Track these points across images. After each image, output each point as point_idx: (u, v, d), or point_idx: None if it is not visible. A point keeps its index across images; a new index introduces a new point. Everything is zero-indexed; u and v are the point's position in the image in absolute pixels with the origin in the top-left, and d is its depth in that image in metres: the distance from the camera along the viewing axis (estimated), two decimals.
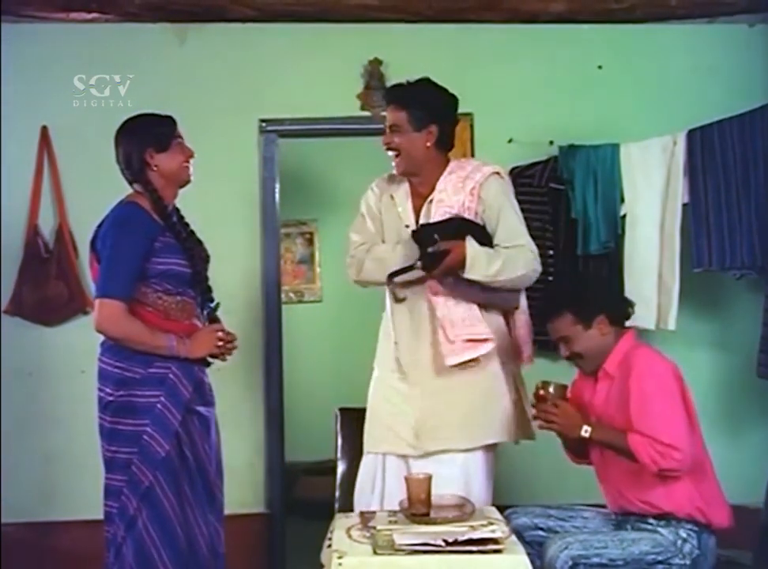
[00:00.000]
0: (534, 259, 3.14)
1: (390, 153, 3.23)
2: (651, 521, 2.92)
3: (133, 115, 3.12)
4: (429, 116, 3.17)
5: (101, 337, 3.00)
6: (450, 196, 3.16)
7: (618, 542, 2.84)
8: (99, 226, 3.05)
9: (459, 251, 3.02)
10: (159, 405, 2.90)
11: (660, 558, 2.83)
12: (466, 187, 3.15)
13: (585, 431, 2.88)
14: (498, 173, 3.23)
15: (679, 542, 2.87)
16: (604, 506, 3.14)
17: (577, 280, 3.12)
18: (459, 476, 3.09)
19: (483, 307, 3.15)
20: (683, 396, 2.92)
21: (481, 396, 3.13)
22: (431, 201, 3.19)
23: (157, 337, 2.92)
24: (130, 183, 3.08)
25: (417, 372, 3.17)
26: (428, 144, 3.19)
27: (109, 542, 2.94)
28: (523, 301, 3.26)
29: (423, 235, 3.07)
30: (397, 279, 3.16)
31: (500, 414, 3.16)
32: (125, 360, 2.93)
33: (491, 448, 3.19)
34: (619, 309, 3.06)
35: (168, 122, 3.09)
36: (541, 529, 3.00)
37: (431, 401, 3.14)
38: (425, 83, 3.24)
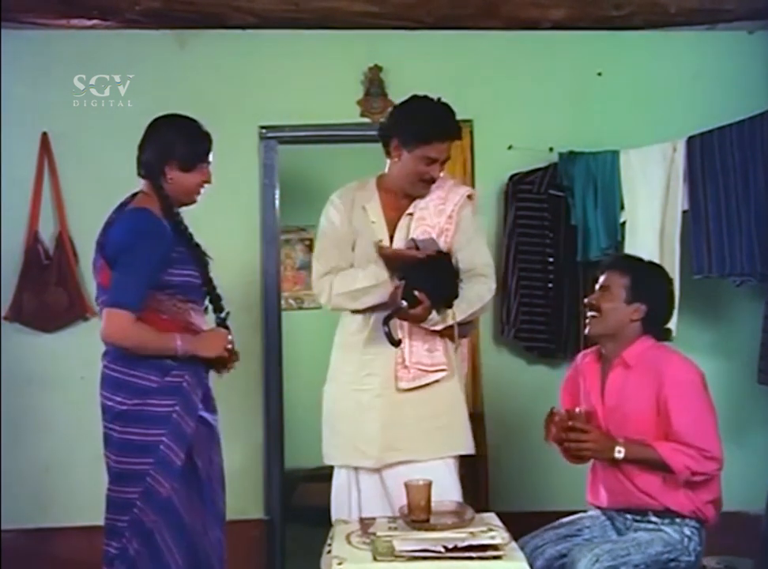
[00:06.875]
0: (486, 286, 3.18)
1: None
2: (653, 518, 2.94)
3: (183, 116, 3.03)
4: None
5: (101, 344, 2.91)
6: (432, 216, 3.18)
7: (636, 546, 2.86)
8: (107, 227, 2.94)
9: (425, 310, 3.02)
10: (174, 415, 2.80)
11: (671, 556, 2.87)
12: (446, 210, 3.18)
13: (619, 452, 2.89)
14: (470, 196, 3.26)
15: (685, 540, 2.92)
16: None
17: (653, 267, 3.16)
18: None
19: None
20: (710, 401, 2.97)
21: (443, 410, 3.15)
22: (409, 214, 3.19)
23: (161, 339, 2.82)
24: (141, 176, 2.98)
25: (380, 385, 3.15)
26: None
27: (113, 557, 2.79)
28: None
29: (405, 286, 3.02)
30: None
31: (460, 428, 3.21)
32: (139, 368, 2.82)
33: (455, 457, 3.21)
34: (660, 321, 3.08)
35: (206, 145, 3.00)
36: (564, 555, 2.97)
37: (392, 413, 3.14)
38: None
